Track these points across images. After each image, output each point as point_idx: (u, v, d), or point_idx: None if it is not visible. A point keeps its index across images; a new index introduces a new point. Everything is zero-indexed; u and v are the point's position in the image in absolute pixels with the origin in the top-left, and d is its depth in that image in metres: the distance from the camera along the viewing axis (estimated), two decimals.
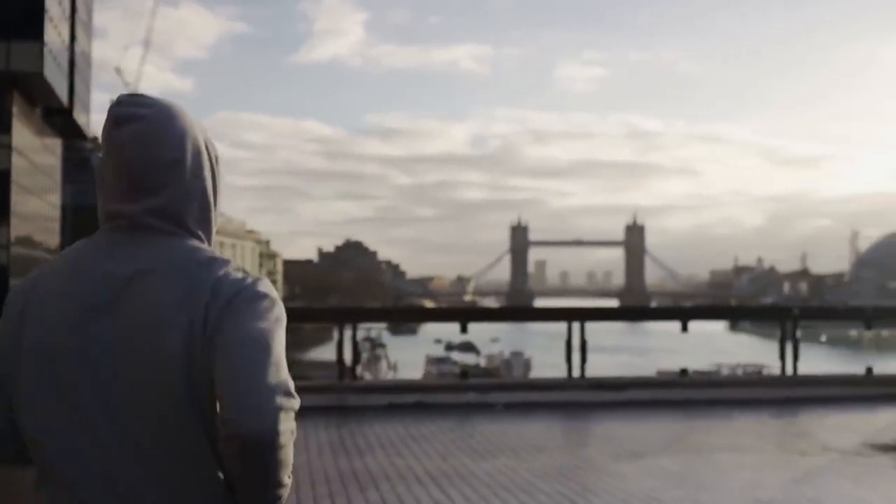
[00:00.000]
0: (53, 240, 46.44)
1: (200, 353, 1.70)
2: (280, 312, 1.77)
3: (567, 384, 12.76)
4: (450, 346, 78.08)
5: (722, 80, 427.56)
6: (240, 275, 1.79)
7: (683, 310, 16.09)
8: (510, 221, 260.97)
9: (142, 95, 1.87)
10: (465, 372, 12.64)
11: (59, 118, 41.22)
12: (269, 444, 1.62)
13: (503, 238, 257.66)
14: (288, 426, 1.64)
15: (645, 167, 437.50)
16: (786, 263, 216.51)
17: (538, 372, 76.73)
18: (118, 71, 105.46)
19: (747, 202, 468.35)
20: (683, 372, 13.47)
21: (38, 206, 41.75)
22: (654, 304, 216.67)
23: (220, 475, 1.74)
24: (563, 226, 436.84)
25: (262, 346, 1.69)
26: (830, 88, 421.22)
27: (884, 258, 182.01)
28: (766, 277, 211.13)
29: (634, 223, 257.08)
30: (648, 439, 9.81)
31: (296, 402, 1.67)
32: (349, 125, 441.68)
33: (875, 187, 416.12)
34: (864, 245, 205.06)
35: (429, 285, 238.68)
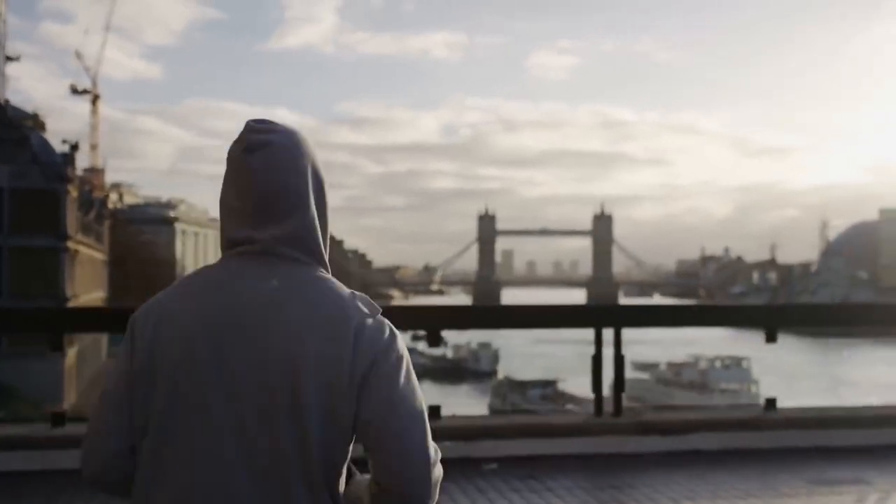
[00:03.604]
0: None
1: (345, 396, 1.78)
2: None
3: (597, 426, 8.17)
4: (416, 337, 73.53)
5: (695, 70, 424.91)
6: (373, 315, 1.86)
7: (769, 311, 10.88)
8: (478, 211, 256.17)
9: (269, 121, 1.91)
10: (435, 408, 7.99)
11: None
12: None
13: (471, 227, 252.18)
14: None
15: (615, 157, 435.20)
16: (754, 253, 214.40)
17: (506, 363, 73.18)
18: (78, 55, 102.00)
19: (716, 192, 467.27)
20: (770, 404, 8.78)
21: None
22: (621, 293, 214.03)
23: (338, 495, 1.84)
24: (531, 215, 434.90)
25: (422, 417, 1.81)
26: (801, 78, 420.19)
27: (852, 248, 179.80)
28: (734, 267, 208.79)
29: (602, 213, 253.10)
30: None
31: (440, 468, 1.83)
32: (320, 114, 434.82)
33: (843, 178, 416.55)
34: (832, 235, 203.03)
35: (396, 274, 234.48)
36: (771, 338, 8.61)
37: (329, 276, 1.91)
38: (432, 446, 1.82)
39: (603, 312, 9.11)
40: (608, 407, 8.44)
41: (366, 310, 1.86)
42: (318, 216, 1.92)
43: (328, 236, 1.95)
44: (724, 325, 10.59)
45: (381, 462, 1.80)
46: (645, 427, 8.11)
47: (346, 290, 1.89)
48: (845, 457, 7.85)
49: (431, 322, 8.81)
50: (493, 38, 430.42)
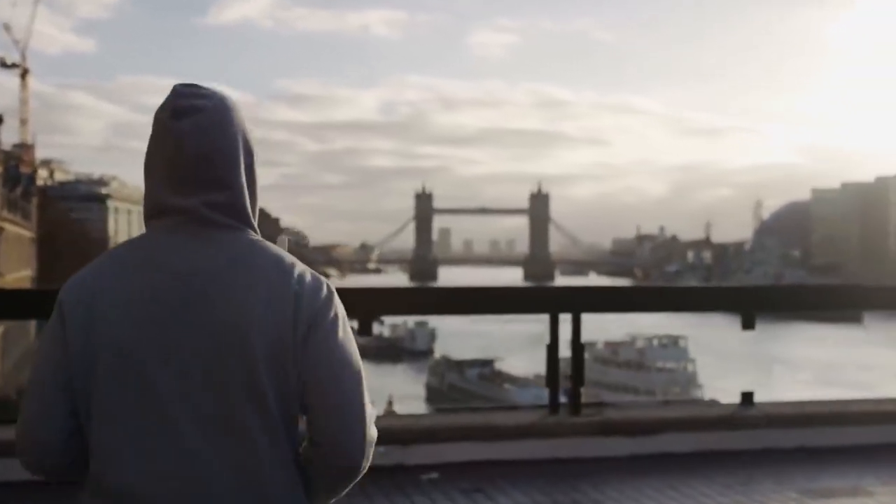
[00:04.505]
0: None
1: (290, 357, 1.79)
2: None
3: (552, 426, 7.05)
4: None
5: (634, 50, 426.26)
6: (310, 276, 1.86)
7: (747, 295, 8.82)
8: (416, 189, 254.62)
9: (198, 86, 1.88)
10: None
11: None
12: (358, 473, 1.84)
13: (408, 206, 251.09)
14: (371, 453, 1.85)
15: (553, 136, 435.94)
16: (688, 232, 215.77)
17: (443, 342, 72.20)
18: (6, 27, 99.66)
19: (652, 172, 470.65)
20: (747, 398, 7.74)
21: None
22: (557, 271, 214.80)
23: (294, 464, 1.82)
24: (469, 194, 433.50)
25: (357, 376, 1.83)
26: (739, 60, 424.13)
27: (785, 227, 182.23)
28: (669, 246, 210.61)
29: (539, 191, 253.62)
30: None
31: (375, 430, 1.86)
32: (257, 90, 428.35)
33: (777, 158, 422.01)
34: (766, 215, 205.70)
35: (332, 253, 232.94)
36: (748, 324, 7.56)
37: (261, 240, 1.88)
38: (368, 405, 1.83)
39: (560, 296, 7.95)
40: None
41: (301, 268, 1.85)
42: (252, 182, 1.89)
43: (257, 204, 1.92)
44: (694, 310, 9.60)
45: (316, 420, 1.81)
46: (608, 427, 7.03)
47: (279, 250, 1.88)
48: (835, 459, 6.88)
49: (369, 307, 7.58)
50: (433, 16, 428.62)
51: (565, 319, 7.41)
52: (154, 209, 1.87)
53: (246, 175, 1.87)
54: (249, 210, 1.88)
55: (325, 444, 1.80)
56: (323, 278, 1.87)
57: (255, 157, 1.91)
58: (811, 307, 8.28)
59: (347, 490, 1.90)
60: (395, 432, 6.68)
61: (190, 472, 1.75)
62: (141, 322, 1.78)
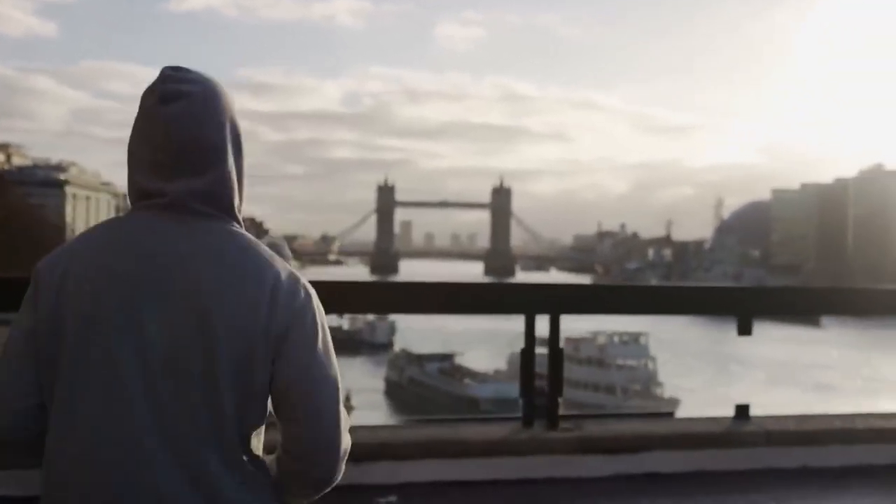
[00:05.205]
0: None
1: (259, 357, 1.74)
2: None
3: (526, 442, 6.21)
4: None
5: (600, 46, 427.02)
6: (288, 275, 1.81)
7: (745, 297, 7.77)
8: (378, 181, 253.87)
9: (186, 70, 1.85)
10: None
11: None
12: (331, 484, 1.82)
13: (370, 198, 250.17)
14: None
15: (517, 131, 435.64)
16: (649, 230, 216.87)
17: (402, 335, 71.36)
18: None
19: (615, 169, 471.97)
20: (742, 412, 6.92)
21: None
22: (518, 266, 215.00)
23: (256, 459, 1.79)
24: (431, 187, 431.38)
25: (334, 384, 1.79)
26: (702, 58, 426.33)
27: (745, 226, 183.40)
28: (629, 243, 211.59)
29: (501, 186, 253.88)
30: None
31: (349, 438, 1.82)
32: (220, 79, 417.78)
33: (738, 158, 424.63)
34: (726, 214, 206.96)
35: (293, 244, 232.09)
36: (744, 329, 6.77)
37: (242, 230, 1.85)
38: (343, 414, 1.79)
39: (537, 295, 7.04)
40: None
41: (280, 265, 1.81)
42: (236, 170, 1.86)
43: (244, 191, 1.89)
44: (684, 313, 8.86)
45: (288, 428, 1.77)
46: (588, 443, 6.21)
47: (259, 244, 1.83)
48: (842, 482, 6.13)
49: (330, 304, 6.71)
50: (399, 7, 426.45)
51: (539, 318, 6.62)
52: (138, 194, 1.84)
53: (233, 161, 1.84)
54: (233, 201, 1.84)
55: (299, 454, 1.77)
56: (302, 278, 1.82)
57: (242, 140, 1.87)
58: (809, 311, 7.53)
59: (318, 497, 1.85)
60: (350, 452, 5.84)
61: (139, 457, 1.70)
62: (106, 301, 1.74)
